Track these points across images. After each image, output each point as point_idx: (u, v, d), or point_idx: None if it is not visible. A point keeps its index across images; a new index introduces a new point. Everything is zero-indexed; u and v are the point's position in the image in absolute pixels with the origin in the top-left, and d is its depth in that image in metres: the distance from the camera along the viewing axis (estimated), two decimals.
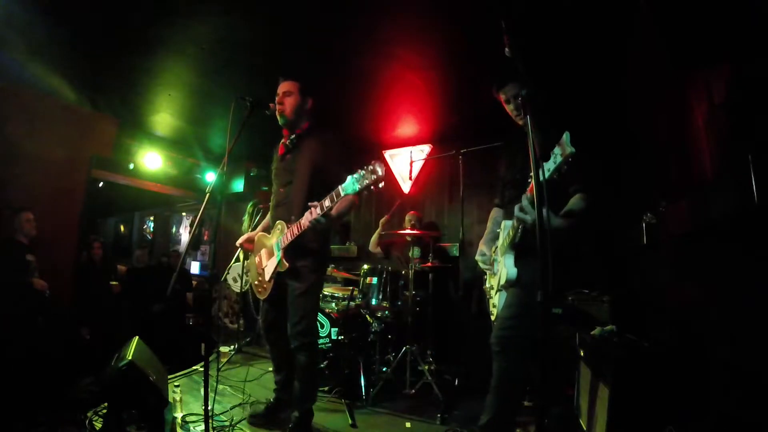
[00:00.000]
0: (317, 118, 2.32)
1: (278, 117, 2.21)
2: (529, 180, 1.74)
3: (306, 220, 1.94)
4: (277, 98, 2.20)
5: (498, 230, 2.02)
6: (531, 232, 1.56)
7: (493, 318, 2.00)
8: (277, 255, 2.13)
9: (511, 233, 1.80)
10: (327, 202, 1.85)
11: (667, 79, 2.37)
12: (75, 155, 3.92)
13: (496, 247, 2.01)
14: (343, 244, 5.06)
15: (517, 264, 1.81)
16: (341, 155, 2.19)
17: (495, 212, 2.23)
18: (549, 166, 1.36)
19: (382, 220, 4.03)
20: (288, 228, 2.09)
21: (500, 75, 1.95)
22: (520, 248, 1.80)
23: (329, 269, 3.94)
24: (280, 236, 2.13)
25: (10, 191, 3.39)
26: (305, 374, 2.18)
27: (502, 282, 1.83)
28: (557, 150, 1.32)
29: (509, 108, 1.97)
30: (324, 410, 2.60)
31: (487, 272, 2.11)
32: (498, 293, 1.93)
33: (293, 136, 2.25)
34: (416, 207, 4.39)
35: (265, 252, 2.26)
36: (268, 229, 2.34)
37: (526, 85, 1.50)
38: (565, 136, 1.28)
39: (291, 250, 2.10)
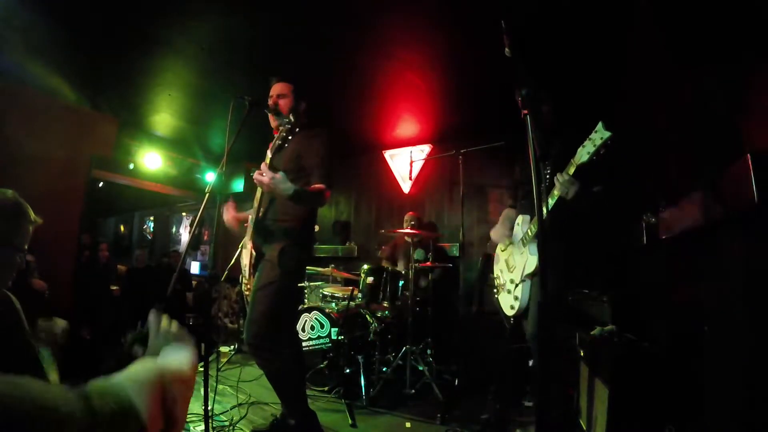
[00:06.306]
0: (316, 117, 2.26)
1: (274, 115, 2.11)
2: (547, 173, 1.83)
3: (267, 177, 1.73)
4: (270, 100, 2.13)
5: (509, 224, 2.13)
6: (557, 214, 1.69)
7: (512, 313, 1.99)
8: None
9: (533, 228, 1.88)
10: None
11: (668, 77, 2.37)
12: (75, 155, 3.91)
13: (511, 242, 2.06)
14: (343, 244, 5.05)
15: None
16: (324, 151, 2.05)
17: (508, 212, 2.28)
18: (588, 150, 1.47)
19: (380, 254, 4.21)
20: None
21: (518, 76, 1.97)
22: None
23: (329, 269, 3.90)
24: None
25: None
26: (272, 381, 1.96)
27: (530, 271, 1.88)
28: (594, 135, 1.43)
29: None
30: (324, 410, 2.59)
31: (502, 264, 2.13)
32: (521, 284, 1.93)
33: (286, 134, 2.03)
34: (416, 207, 4.39)
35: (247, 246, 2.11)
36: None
37: (525, 84, 1.51)
38: (600, 124, 1.41)
39: (260, 234, 1.96)
